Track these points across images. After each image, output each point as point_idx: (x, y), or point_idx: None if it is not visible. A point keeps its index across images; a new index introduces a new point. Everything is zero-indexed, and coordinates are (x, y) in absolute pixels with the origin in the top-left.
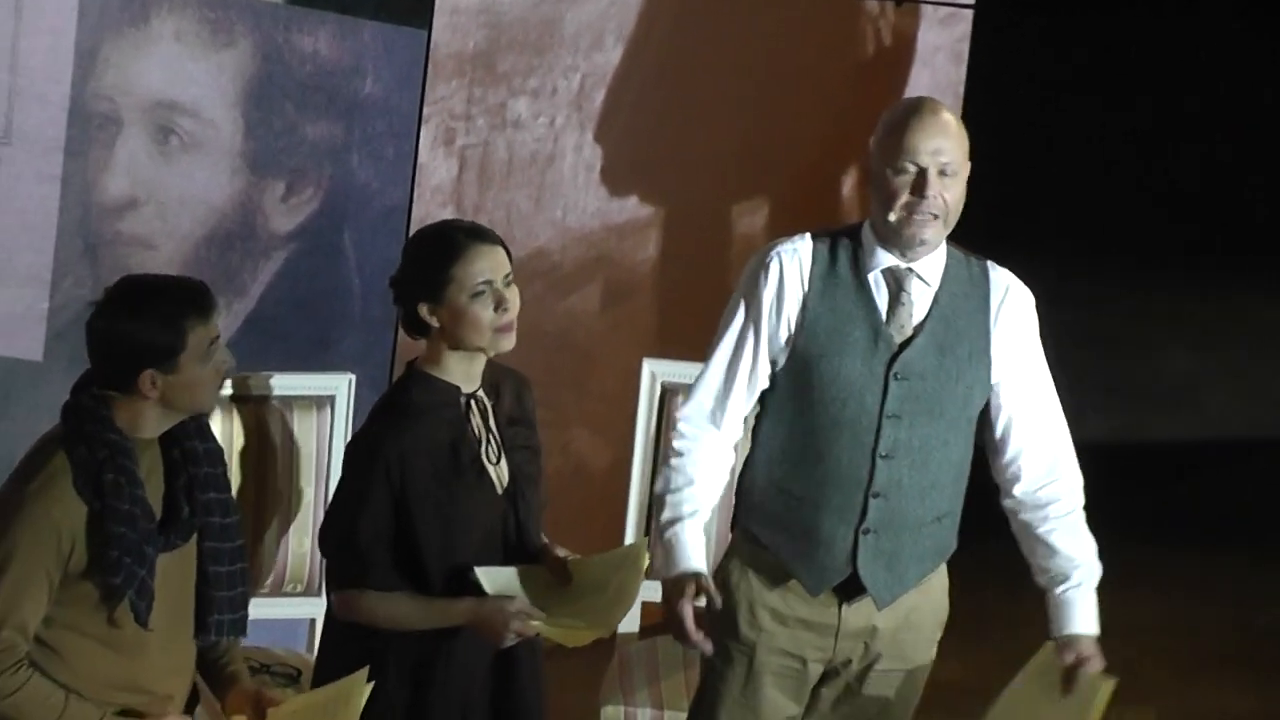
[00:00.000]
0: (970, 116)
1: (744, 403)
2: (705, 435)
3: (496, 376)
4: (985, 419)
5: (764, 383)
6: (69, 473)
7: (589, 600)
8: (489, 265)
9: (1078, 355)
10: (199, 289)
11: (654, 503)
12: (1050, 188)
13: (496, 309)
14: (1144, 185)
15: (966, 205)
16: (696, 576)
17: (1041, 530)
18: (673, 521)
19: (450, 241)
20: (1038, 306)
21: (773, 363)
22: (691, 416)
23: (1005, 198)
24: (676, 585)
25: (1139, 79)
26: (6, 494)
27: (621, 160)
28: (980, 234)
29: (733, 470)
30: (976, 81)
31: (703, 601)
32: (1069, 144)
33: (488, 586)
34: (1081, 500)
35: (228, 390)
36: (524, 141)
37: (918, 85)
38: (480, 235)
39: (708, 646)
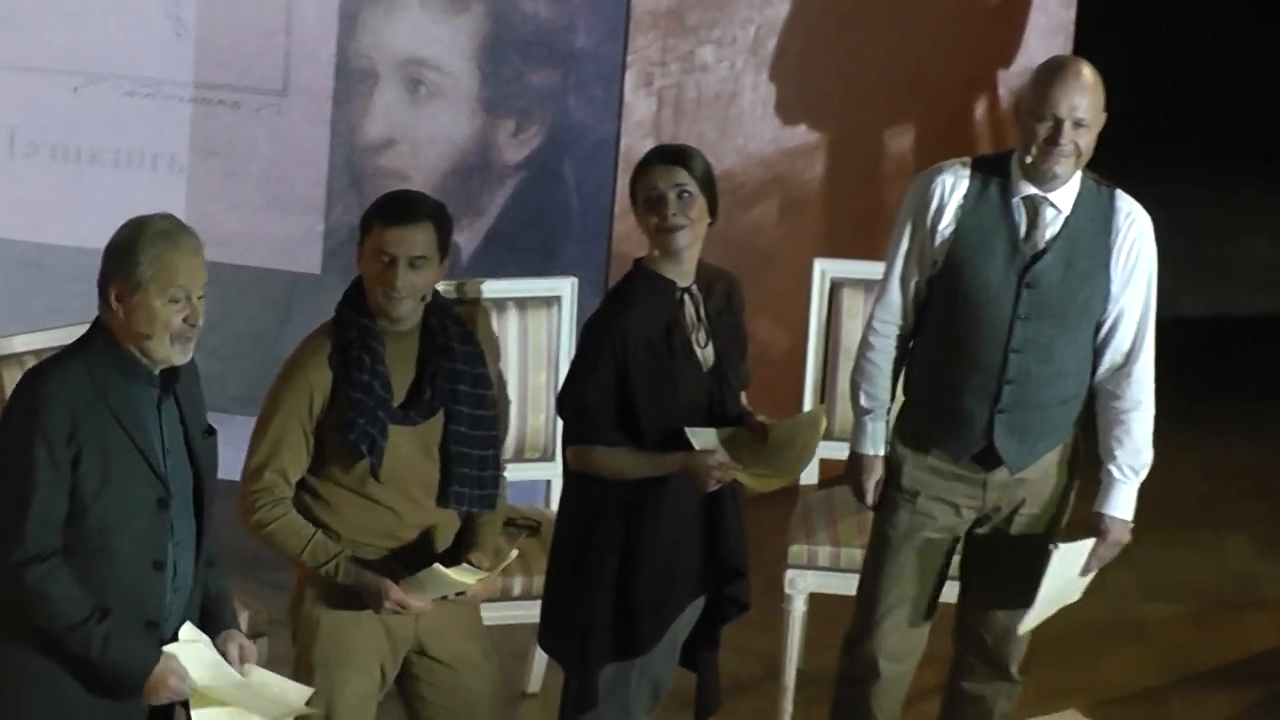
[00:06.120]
0: (1080, 49)
1: (914, 299)
2: (894, 329)
3: (710, 276)
4: None
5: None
6: (328, 347)
7: (777, 455)
8: (660, 179)
9: (1175, 246)
10: (391, 200)
11: (851, 385)
12: (1150, 105)
13: (657, 216)
14: (1227, 99)
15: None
16: (882, 460)
17: (1104, 417)
18: (869, 411)
19: (643, 160)
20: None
21: (931, 267)
22: (882, 315)
23: (1112, 115)
24: (865, 463)
25: (1218, 9)
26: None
27: (791, 95)
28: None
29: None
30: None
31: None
32: (1164, 67)
33: (695, 443)
34: (1147, 405)
35: (476, 294)
36: (710, 82)
37: (1035, 24)
38: (660, 155)
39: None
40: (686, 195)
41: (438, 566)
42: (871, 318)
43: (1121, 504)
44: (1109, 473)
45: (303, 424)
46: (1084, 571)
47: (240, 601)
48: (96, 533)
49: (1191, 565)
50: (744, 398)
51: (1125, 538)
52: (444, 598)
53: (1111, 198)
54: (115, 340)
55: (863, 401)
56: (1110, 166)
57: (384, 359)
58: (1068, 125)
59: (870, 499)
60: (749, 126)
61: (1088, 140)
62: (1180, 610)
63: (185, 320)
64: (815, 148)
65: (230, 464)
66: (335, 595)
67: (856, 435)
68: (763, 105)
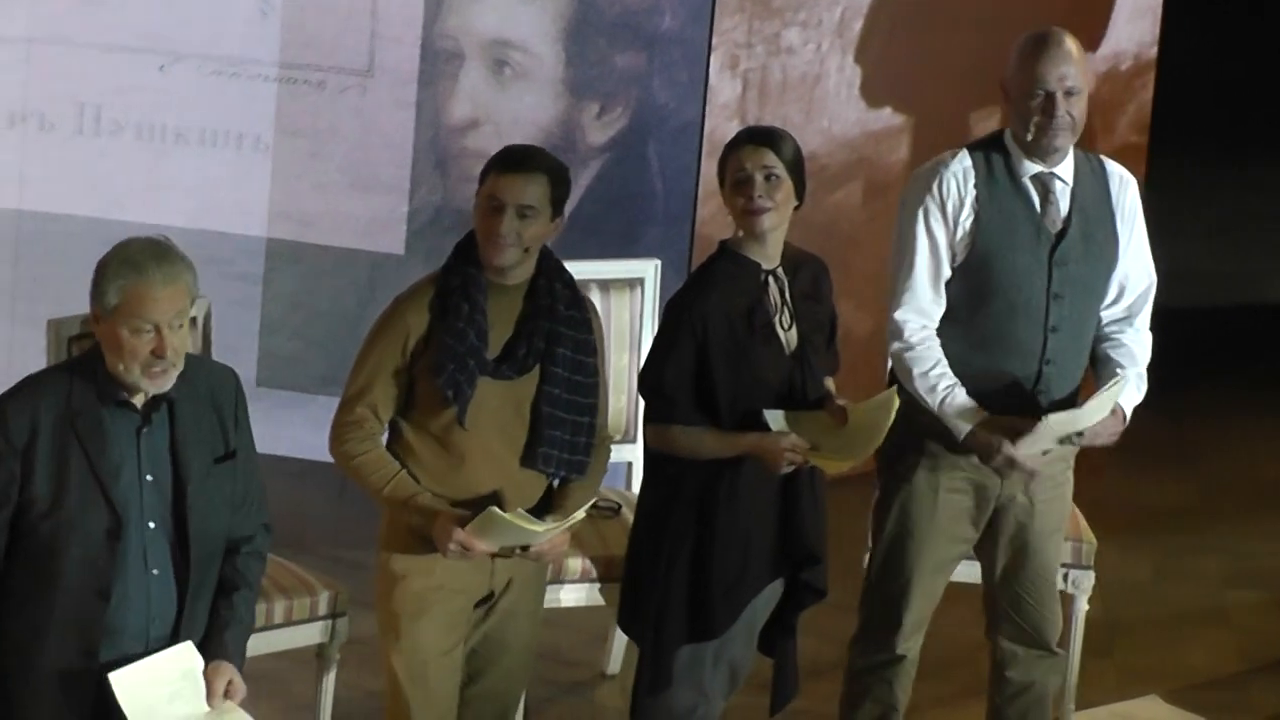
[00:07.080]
0: (1167, 33)
1: (942, 296)
2: (928, 329)
3: (798, 260)
4: None
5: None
6: (431, 292)
7: (850, 437)
8: (748, 160)
9: (1264, 231)
10: (509, 150)
11: (922, 393)
12: (1237, 88)
13: (743, 197)
14: None
15: (1163, 107)
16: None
17: (1104, 349)
18: (948, 391)
19: (732, 140)
20: (1217, 191)
21: (952, 261)
22: (914, 319)
23: (1199, 99)
24: (982, 436)
25: None
26: None
27: (876, 78)
28: (1164, 132)
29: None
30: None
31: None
32: (1253, 49)
33: (771, 425)
34: (1146, 345)
35: None
36: (795, 65)
37: (1122, 7)
38: (750, 136)
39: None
40: (774, 178)
41: (494, 509)
42: (903, 325)
43: (1131, 400)
44: (1125, 377)
45: (396, 363)
46: (1084, 438)
47: (320, 581)
48: (40, 555)
49: (1273, 552)
50: (831, 383)
51: (1120, 430)
52: (514, 552)
53: (1101, 163)
54: (103, 361)
55: (941, 390)
56: (1197, 151)
57: (484, 310)
58: (1060, 95)
59: (1018, 455)
60: (834, 109)
61: (1080, 108)
62: (1262, 597)
63: (153, 352)
64: (900, 130)
65: (311, 445)
66: (414, 547)
67: (957, 423)
68: (848, 88)
